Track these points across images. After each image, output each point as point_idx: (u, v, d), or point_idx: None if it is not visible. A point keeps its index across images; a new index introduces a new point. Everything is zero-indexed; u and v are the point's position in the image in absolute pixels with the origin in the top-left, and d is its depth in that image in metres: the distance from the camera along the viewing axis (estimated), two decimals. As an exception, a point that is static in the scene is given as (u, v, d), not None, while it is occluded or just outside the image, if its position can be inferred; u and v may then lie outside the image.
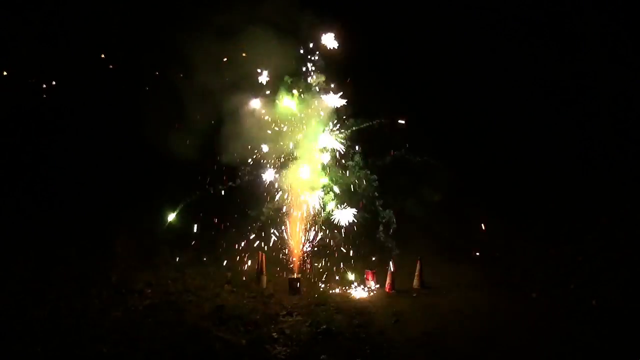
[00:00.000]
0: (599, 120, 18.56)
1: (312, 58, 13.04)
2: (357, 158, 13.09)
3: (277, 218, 13.14)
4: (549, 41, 19.25)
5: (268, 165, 13.04)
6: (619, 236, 14.24)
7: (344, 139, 13.03)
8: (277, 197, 13.06)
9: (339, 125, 13.05)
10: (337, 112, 12.97)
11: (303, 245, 12.92)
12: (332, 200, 12.86)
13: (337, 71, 13.23)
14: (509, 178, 17.38)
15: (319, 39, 12.99)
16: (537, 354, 9.30)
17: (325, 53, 13.02)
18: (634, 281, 11.84)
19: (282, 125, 12.97)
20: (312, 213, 12.93)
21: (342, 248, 13.34)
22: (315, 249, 13.29)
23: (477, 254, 13.81)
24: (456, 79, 17.71)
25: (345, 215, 12.67)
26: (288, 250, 13.00)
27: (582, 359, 9.18)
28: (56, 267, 12.41)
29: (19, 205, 16.11)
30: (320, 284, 12.38)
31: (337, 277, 12.67)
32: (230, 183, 13.37)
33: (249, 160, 13.10)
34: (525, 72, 18.43)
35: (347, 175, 13.08)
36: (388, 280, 12.13)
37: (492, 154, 17.29)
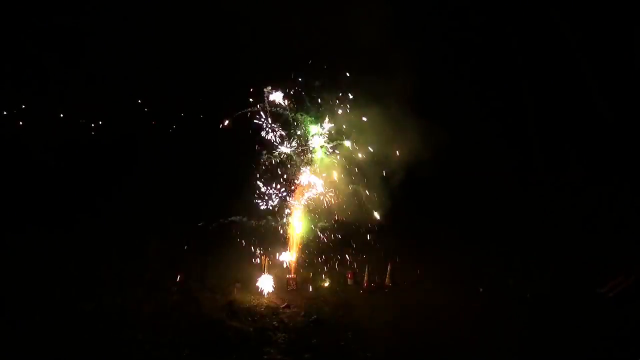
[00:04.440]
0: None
1: None
2: None
3: (279, 228, 13.07)
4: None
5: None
6: (547, 241, 14.42)
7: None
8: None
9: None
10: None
11: (298, 251, 12.86)
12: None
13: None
14: (462, 195, 17.55)
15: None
16: (483, 335, 9.39)
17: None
18: (560, 278, 12.03)
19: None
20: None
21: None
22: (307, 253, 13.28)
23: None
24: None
25: None
26: (286, 255, 12.90)
27: (517, 337, 9.25)
28: (100, 269, 12.35)
29: (70, 218, 16.15)
30: (311, 282, 12.35)
31: (324, 277, 12.63)
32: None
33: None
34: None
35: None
36: (365, 279, 12.15)
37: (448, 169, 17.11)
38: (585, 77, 16.35)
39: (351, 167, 12.85)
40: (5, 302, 10.10)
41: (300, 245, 12.90)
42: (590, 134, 16.77)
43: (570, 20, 16.24)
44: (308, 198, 12.68)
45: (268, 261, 12.32)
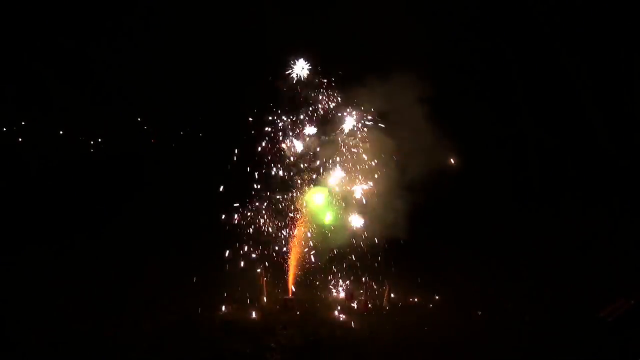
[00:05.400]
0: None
1: None
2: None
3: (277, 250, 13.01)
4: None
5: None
6: (546, 264, 14.43)
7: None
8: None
9: None
10: None
11: (295, 273, 12.80)
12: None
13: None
14: (461, 218, 17.58)
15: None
16: (481, 358, 9.38)
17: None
18: (558, 301, 11.98)
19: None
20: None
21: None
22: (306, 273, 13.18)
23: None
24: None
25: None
26: (284, 275, 12.82)
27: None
28: (98, 289, 12.26)
29: (69, 236, 16.10)
30: (309, 303, 12.23)
31: (322, 297, 12.55)
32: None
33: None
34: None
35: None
36: (363, 300, 12.09)
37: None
38: (586, 105, 16.66)
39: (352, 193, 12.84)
40: (2, 320, 10.05)
41: (298, 266, 12.86)
42: (590, 160, 16.99)
43: (572, 50, 16.58)
44: (308, 221, 12.71)
45: (266, 281, 12.26)
